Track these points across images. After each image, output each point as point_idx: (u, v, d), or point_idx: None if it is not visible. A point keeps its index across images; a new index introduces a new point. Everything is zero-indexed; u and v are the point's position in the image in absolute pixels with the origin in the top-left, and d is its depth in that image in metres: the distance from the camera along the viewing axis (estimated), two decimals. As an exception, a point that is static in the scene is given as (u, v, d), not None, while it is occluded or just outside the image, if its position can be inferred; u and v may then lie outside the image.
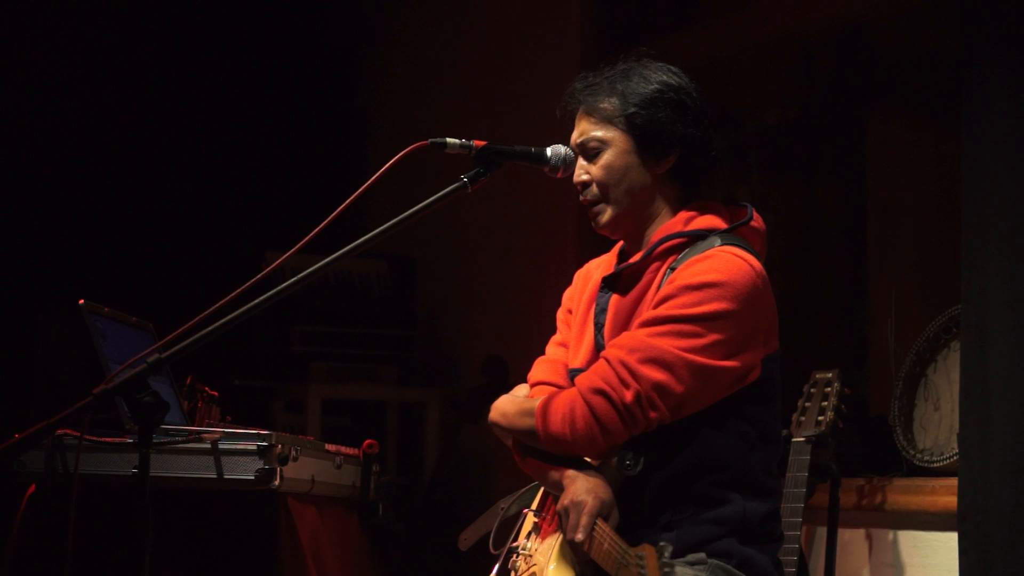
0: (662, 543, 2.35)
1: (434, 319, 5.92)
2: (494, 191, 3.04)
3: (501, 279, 5.55)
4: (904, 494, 3.92)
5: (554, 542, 2.80)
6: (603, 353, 2.70)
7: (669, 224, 2.77)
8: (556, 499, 2.79)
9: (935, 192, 4.44)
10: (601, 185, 2.79)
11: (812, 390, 3.81)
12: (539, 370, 2.95)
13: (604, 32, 5.19)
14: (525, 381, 2.98)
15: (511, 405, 2.85)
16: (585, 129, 2.81)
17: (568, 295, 3.00)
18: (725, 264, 2.66)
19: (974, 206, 3.48)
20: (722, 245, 2.70)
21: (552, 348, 2.99)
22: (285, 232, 3.32)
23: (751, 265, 2.68)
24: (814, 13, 4.47)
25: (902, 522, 3.93)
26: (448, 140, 2.67)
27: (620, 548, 2.49)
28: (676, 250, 2.74)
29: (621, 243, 2.91)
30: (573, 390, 2.70)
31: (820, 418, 3.73)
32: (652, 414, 2.63)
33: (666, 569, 2.30)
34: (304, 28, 6.33)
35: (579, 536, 2.58)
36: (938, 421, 3.96)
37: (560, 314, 3.00)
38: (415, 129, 3.28)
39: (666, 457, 2.68)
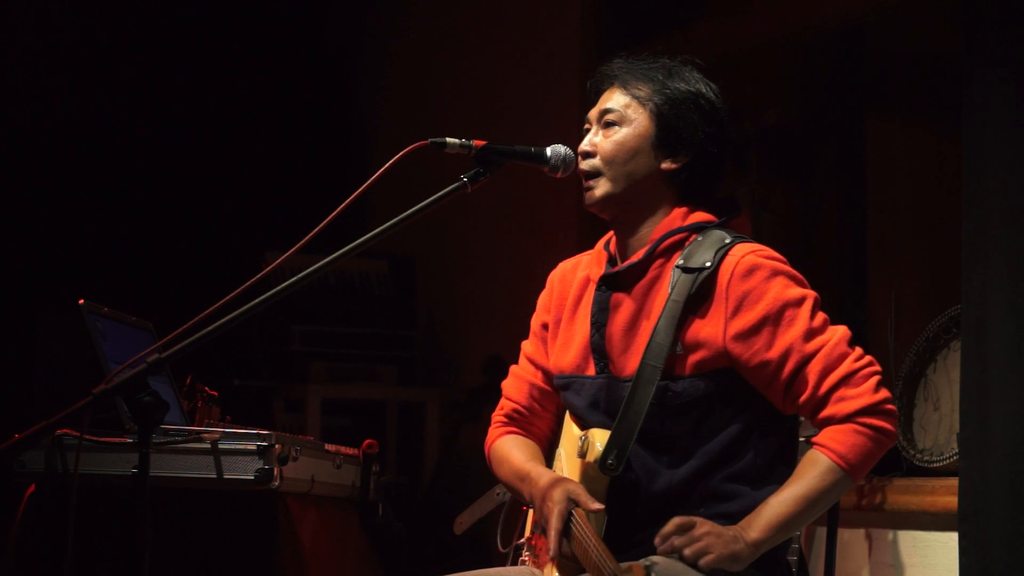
0: (647, 563, 2.35)
1: (434, 319, 5.92)
2: (494, 191, 3.03)
3: (501, 279, 5.55)
4: (904, 494, 3.91)
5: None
6: (821, 415, 2.63)
7: (668, 221, 2.76)
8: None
9: (935, 192, 4.44)
10: (606, 158, 2.76)
11: (812, 390, 3.81)
12: (510, 386, 2.97)
13: (604, 32, 5.18)
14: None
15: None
16: (613, 100, 2.79)
17: (544, 302, 2.94)
18: (780, 267, 2.68)
19: (974, 206, 3.48)
20: (737, 243, 2.70)
21: (523, 361, 2.97)
22: (285, 232, 3.32)
23: (780, 258, 2.72)
24: (814, 13, 4.46)
25: (902, 522, 3.93)
26: (448, 140, 2.66)
27: (607, 564, 2.48)
28: (678, 246, 2.74)
29: (605, 240, 2.88)
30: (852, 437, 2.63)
31: (820, 418, 3.73)
32: (874, 372, 2.64)
33: None
34: (303, 28, 6.33)
35: (551, 553, 2.61)
36: (938, 421, 3.96)
37: (535, 324, 2.95)
38: (415, 129, 3.28)
39: (677, 457, 2.68)
